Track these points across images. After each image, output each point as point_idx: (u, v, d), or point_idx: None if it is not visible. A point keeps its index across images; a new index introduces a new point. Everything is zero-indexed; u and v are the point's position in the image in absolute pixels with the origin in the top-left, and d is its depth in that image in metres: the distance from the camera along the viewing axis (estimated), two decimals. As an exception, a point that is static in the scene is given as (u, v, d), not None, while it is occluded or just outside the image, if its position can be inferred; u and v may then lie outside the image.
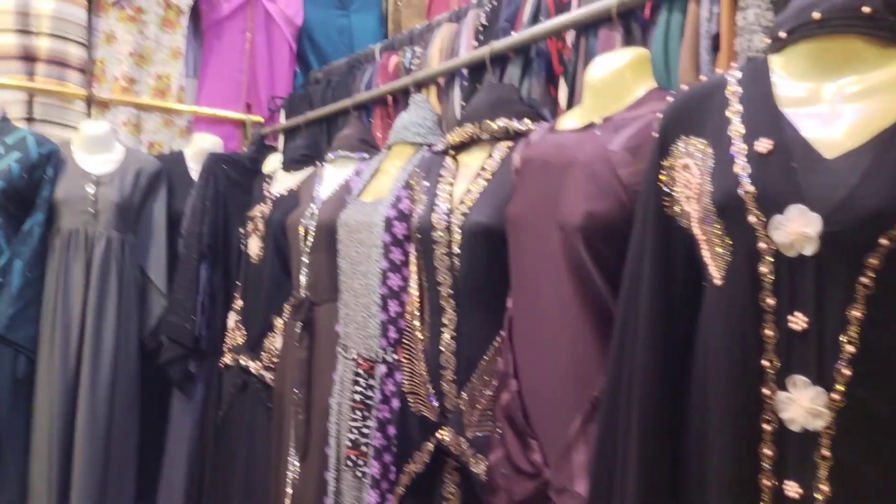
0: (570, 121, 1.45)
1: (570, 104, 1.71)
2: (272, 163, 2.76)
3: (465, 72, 2.05)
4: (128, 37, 3.04)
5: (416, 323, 1.67)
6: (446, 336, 1.56)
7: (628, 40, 1.57)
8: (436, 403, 1.57)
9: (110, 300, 2.62)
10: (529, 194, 1.40)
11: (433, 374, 1.57)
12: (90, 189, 2.65)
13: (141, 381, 2.64)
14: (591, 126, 1.35)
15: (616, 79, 1.37)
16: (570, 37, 1.75)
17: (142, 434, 2.64)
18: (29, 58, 2.83)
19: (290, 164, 2.56)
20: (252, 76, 3.29)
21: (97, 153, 2.74)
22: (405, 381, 1.67)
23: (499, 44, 1.85)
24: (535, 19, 1.87)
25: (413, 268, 1.72)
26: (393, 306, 1.77)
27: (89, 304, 2.59)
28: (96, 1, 3.02)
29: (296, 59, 3.41)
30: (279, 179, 2.59)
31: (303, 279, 2.13)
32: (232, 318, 2.59)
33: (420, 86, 2.18)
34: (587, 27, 1.67)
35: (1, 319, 2.49)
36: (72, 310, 2.57)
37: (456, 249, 1.56)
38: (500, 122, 1.62)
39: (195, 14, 3.24)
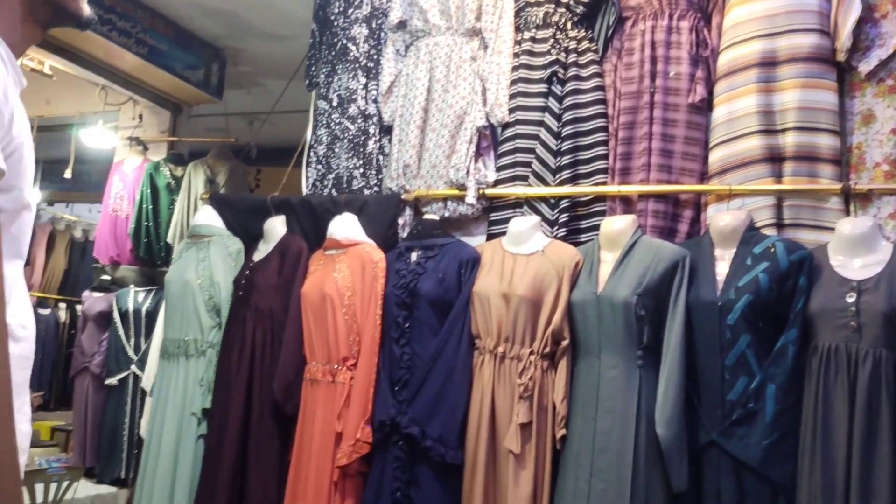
0: None
1: None
2: None
3: None
4: (889, 112, 2.62)
5: None
6: None
7: None
8: None
9: (882, 438, 2.20)
10: None
11: None
12: (850, 298, 2.32)
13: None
14: None
15: None
16: None
17: None
18: (774, 158, 2.70)
19: None
20: None
21: (858, 255, 2.40)
22: None
23: None
24: None
25: None
26: None
27: (855, 439, 2.22)
28: (849, 81, 2.72)
29: None
30: None
31: None
32: None
33: None
34: None
35: (754, 451, 2.34)
36: (834, 446, 2.26)
37: None
38: None
39: None
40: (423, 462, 2.63)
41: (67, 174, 5.55)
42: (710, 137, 2.85)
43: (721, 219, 2.60)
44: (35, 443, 5.07)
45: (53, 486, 3.38)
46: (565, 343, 2.60)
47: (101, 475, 4.44)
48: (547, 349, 2.60)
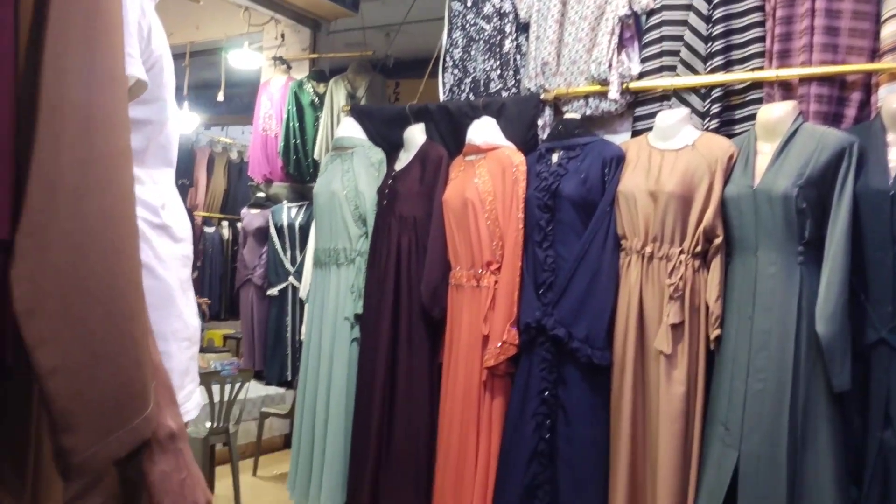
0: None
1: None
2: None
3: None
4: None
5: None
6: None
7: None
8: None
9: None
10: None
11: None
12: None
13: None
14: None
15: None
16: None
17: None
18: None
19: None
20: None
21: None
22: None
23: None
24: None
25: None
26: None
27: None
28: None
29: None
30: None
31: None
32: None
33: None
34: None
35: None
36: None
37: None
38: None
39: None
40: (570, 363, 2.64)
41: (220, 97, 5.80)
42: (883, 10, 2.55)
43: (895, 100, 2.35)
44: (210, 349, 5.54)
45: (228, 387, 3.69)
46: (718, 241, 2.48)
47: (269, 377, 4.80)
48: (698, 248, 2.49)
